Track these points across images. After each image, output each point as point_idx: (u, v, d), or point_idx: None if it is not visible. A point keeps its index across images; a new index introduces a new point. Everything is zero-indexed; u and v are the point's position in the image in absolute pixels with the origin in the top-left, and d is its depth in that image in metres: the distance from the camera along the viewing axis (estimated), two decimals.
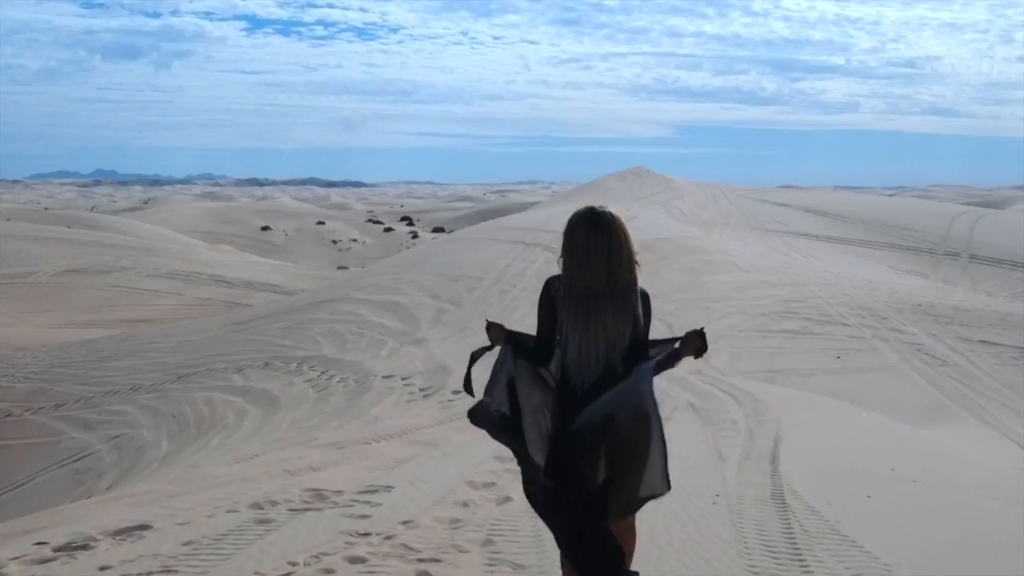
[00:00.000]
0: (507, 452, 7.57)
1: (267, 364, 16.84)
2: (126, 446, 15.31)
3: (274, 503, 5.88)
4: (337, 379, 13.89)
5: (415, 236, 72.68)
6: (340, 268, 53.85)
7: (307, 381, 14.48)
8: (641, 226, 25.29)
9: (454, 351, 14.14)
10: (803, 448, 7.25)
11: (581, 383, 3.97)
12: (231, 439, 11.86)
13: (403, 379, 12.57)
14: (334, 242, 72.35)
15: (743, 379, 10.97)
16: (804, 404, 9.71)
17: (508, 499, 6.18)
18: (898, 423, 9.96)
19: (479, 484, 6.47)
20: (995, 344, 16.19)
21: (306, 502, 5.96)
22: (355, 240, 73.23)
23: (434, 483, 6.50)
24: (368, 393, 12.02)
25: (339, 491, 6.24)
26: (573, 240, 4.09)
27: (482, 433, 8.18)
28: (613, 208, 4.11)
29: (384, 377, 12.92)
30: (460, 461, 7.18)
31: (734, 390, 9.58)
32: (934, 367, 14.55)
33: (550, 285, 4.14)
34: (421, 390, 11.70)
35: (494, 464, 6.97)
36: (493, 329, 4.19)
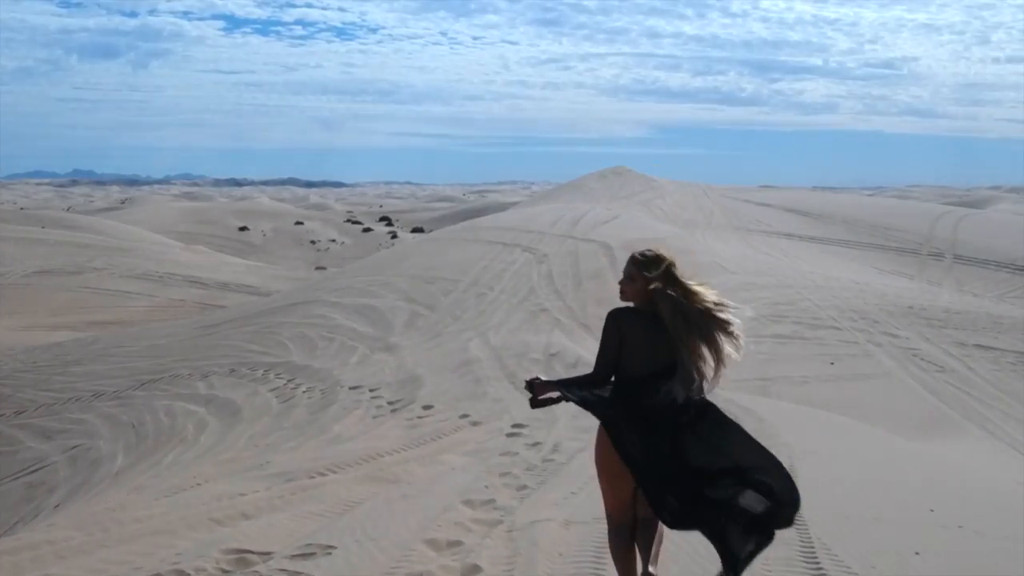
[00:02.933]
0: (477, 496, 6.53)
1: (233, 371, 16.12)
2: (81, 458, 14.59)
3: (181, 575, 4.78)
4: (303, 389, 13.11)
5: (394, 236, 72.04)
6: (318, 268, 53.26)
7: (272, 390, 13.71)
8: (623, 226, 24.66)
9: (426, 359, 13.37)
10: (824, 485, 6.32)
11: None
12: (185, 456, 11.07)
13: (371, 391, 11.74)
14: (312, 242, 71.73)
15: (737, 390, 10.21)
16: (811, 423, 8.93)
17: (476, 570, 5.08)
18: (912, 442, 9.27)
19: (442, 543, 5.35)
20: (991, 348, 15.62)
21: (223, 572, 4.87)
22: (334, 240, 72.59)
23: (386, 540, 5.36)
24: (333, 406, 11.20)
25: (267, 553, 5.16)
26: None
27: (449, 468, 7.23)
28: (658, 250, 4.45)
29: (351, 388, 12.10)
30: (422, 506, 6.08)
31: (733, 407, 8.73)
32: (931, 373, 13.93)
33: None
34: (389, 403, 10.87)
35: (462, 512, 5.87)
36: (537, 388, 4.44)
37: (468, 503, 6.11)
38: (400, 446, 8.26)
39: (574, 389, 4.33)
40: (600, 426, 4.34)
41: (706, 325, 4.28)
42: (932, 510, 6.01)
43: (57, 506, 12.15)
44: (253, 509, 6.13)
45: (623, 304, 4.44)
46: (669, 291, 4.26)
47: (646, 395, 4.23)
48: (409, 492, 6.50)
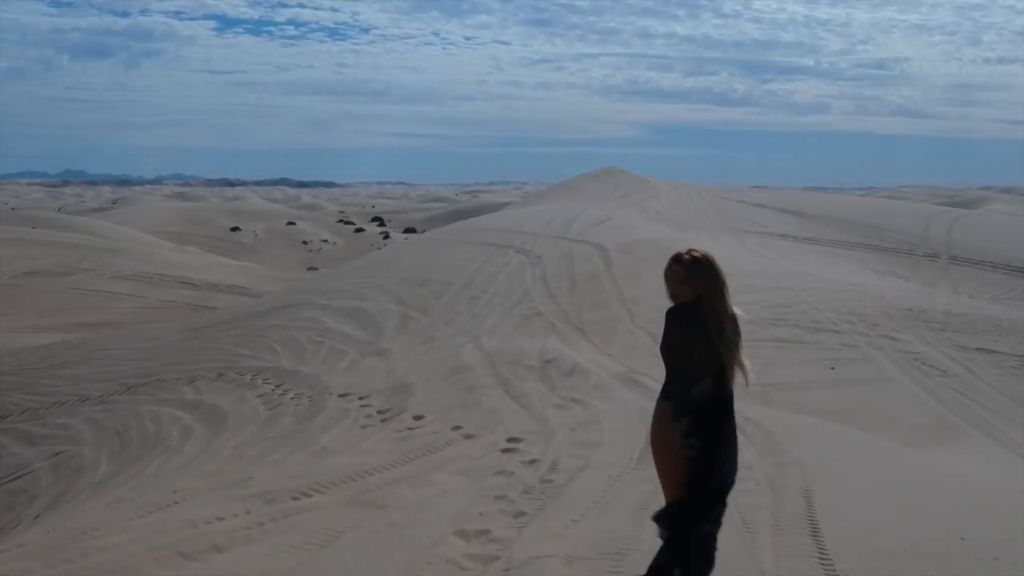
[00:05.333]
0: (471, 525, 5.91)
1: (220, 375, 15.76)
2: (65, 466, 14.25)
3: None
4: (291, 395, 12.74)
5: (386, 237, 71.81)
6: (310, 269, 53.04)
7: (259, 396, 13.34)
8: (618, 227, 24.34)
9: (417, 365, 12.98)
10: (844, 509, 5.90)
11: None
12: (168, 465, 10.71)
13: (360, 398, 11.36)
14: (304, 243, 71.53)
15: (740, 398, 9.87)
16: (820, 437, 8.55)
17: None
18: (923, 452, 8.93)
19: None
20: (993, 352, 15.34)
21: None
22: (326, 241, 72.33)
23: None
24: (320, 415, 10.82)
25: None
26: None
27: (440, 491, 6.82)
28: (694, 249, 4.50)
29: (340, 396, 11.72)
30: (410, 538, 5.57)
31: (739, 417, 8.40)
32: (934, 378, 13.64)
33: None
34: (379, 412, 10.49)
35: (454, 545, 5.36)
36: None
37: (461, 534, 5.66)
38: (389, 462, 7.86)
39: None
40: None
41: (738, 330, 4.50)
42: (963, 538, 5.62)
43: (37, 516, 11.84)
44: (226, 540, 5.70)
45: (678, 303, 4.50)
46: (721, 292, 4.37)
47: (721, 388, 4.51)
48: (397, 520, 6.02)
